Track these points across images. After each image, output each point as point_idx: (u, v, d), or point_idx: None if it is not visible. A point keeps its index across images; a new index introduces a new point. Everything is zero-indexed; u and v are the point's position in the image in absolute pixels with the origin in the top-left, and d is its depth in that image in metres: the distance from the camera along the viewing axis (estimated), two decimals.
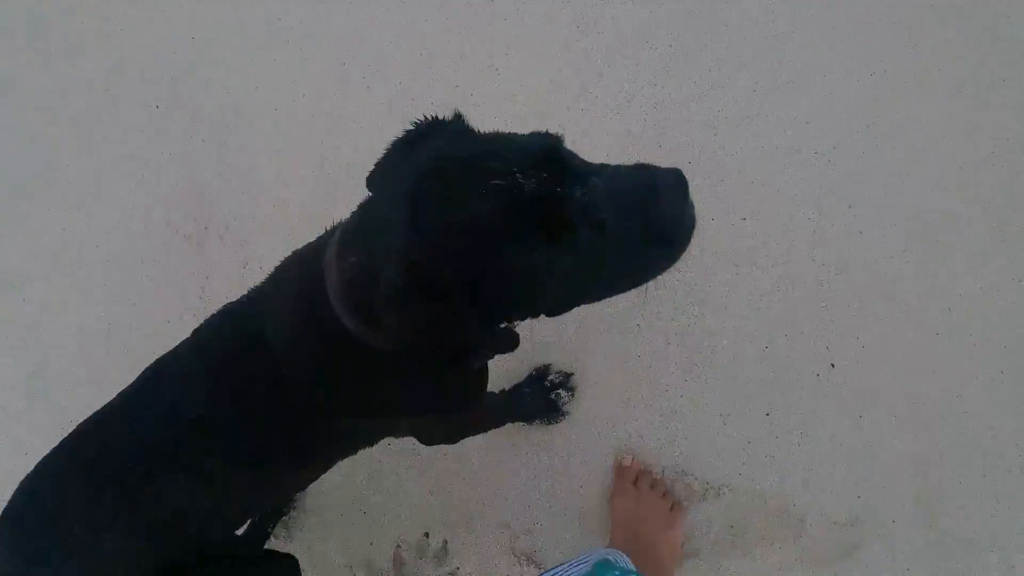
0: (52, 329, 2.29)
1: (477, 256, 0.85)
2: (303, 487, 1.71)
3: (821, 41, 1.81)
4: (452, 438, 1.52)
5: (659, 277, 1.00)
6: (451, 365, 1.03)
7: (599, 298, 1.04)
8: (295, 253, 1.19)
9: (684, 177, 0.90)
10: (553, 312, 1.01)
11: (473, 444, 1.86)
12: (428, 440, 1.47)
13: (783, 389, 1.75)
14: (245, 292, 1.22)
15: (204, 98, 2.26)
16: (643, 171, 0.90)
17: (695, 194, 0.93)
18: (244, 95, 2.22)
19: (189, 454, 1.13)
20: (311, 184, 2.11)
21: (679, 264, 0.98)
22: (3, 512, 1.18)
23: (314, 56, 2.18)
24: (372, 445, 1.41)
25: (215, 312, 1.23)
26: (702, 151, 1.85)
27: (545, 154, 0.87)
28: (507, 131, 0.95)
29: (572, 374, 1.84)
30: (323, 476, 1.42)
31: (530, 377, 1.82)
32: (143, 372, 1.24)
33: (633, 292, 1.03)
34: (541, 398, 1.79)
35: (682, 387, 1.80)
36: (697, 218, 0.95)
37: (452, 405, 1.32)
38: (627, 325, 1.84)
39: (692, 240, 0.96)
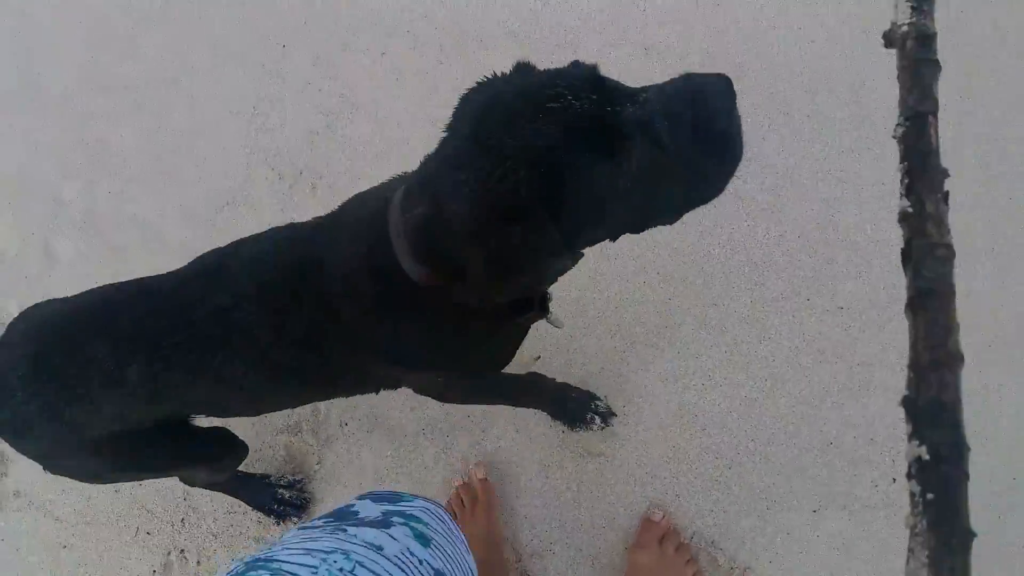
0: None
1: (547, 175, 0.86)
2: (292, 407, 1.73)
3: None
4: (468, 398, 1.54)
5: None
6: (521, 311, 1.12)
7: (666, 217, 1.02)
8: (358, 195, 1.21)
9: (731, 82, 0.89)
10: (626, 229, 1.01)
11: (503, 456, 1.82)
12: (440, 395, 1.46)
13: (838, 492, 1.68)
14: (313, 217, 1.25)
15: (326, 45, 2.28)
16: (690, 80, 0.91)
17: None
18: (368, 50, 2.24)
19: (221, 344, 1.16)
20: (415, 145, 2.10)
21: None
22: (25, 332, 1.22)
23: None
24: (378, 391, 1.41)
25: (282, 225, 1.25)
26: None
27: (591, 78, 0.90)
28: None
29: (615, 415, 1.80)
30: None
31: (578, 390, 1.80)
32: (200, 257, 1.26)
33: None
34: (581, 408, 1.77)
35: (735, 460, 1.74)
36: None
37: (489, 363, 1.32)
38: (694, 381, 1.80)
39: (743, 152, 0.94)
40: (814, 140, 1.92)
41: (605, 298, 1.89)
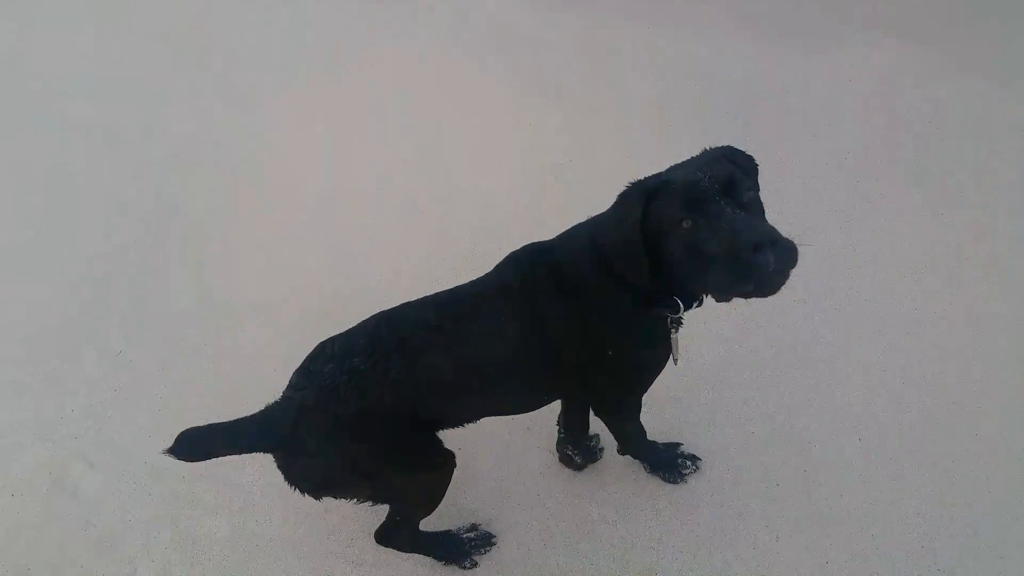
0: None
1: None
2: (495, 413, 1.96)
3: None
4: (630, 417, 1.93)
5: None
6: (657, 304, 1.58)
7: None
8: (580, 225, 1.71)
9: (793, 254, 1.30)
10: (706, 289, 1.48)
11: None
12: (618, 404, 1.88)
13: None
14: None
15: None
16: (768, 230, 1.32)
17: None
18: None
19: (466, 347, 1.64)
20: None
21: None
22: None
23: None
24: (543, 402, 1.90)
25: (521, 248, 1.75)
26: None
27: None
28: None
29: (699, 458, 2.14)
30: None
31: (664, 443, 2.17)
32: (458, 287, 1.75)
33: None
34: (670, 458, 2.14)
35: None
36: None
37: (649, 365, 1.75)
38: None
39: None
40: None
41: None
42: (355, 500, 1.79)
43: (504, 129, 3.53)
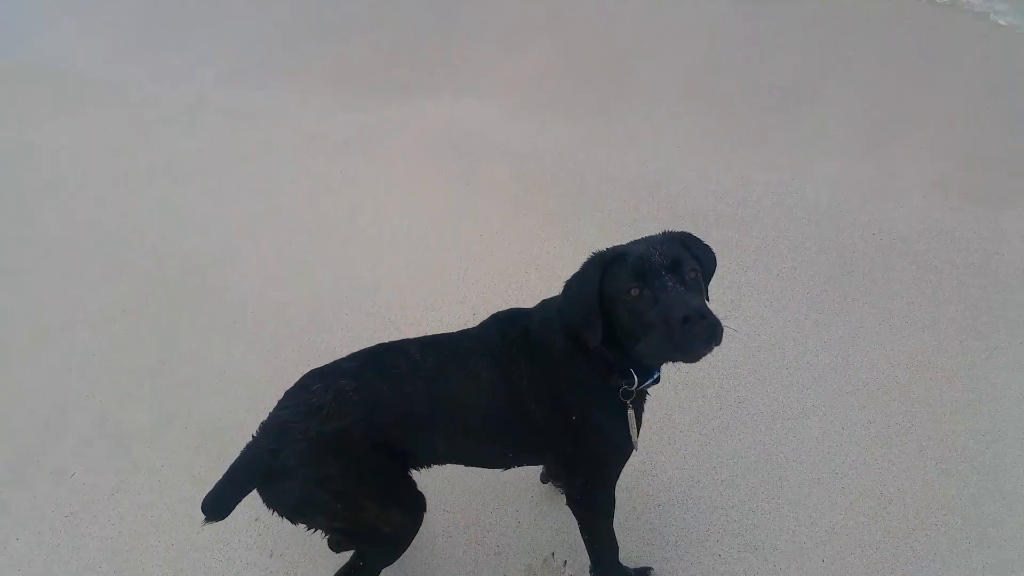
0: None
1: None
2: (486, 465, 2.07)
3: None
4: (600, 512, 1.96)
5: None
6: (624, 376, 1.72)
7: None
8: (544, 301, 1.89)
9: (718, 329, 1.48)
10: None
11: None
12: (570, 480, 1.92)
13: None
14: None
15: None
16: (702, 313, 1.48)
17: None
18: None
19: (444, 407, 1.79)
20: None
21: None
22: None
23: None
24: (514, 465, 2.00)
25: (504, 311, 1.92)
26: None
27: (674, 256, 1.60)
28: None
29: None
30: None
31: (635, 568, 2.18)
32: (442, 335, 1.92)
33: None
34: None
35: None
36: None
37: (609, 438, 1.81)
38: None
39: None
40: None
41: None
42: (326, 531, 1.89)
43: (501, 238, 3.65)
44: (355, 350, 1.89)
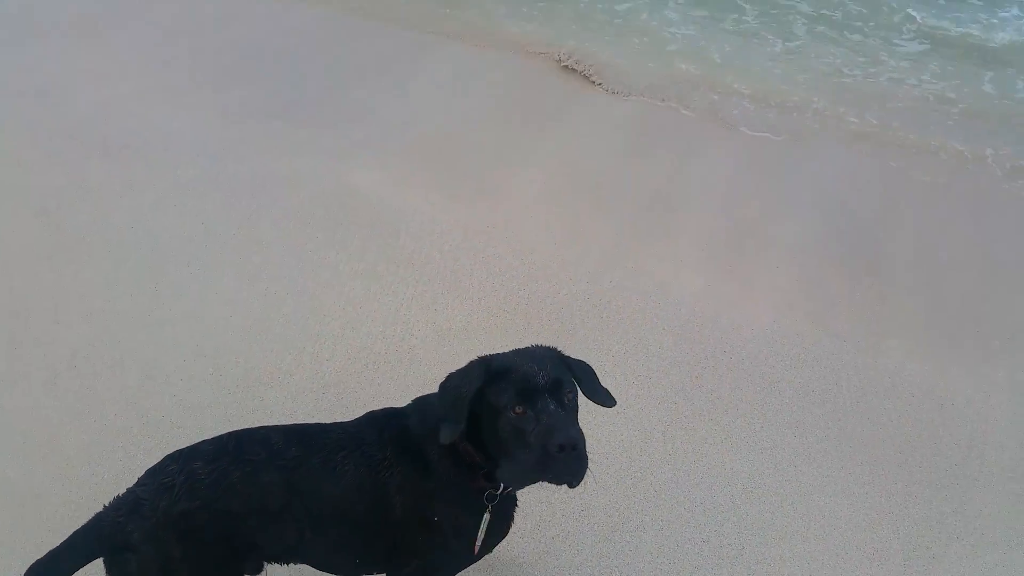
0: None
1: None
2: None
3: None
4: None
5: None
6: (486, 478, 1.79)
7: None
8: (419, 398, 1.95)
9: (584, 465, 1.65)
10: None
11: None
12: (400, 567, 1.90)
13: None
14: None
15: None
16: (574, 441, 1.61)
17: None
18: None
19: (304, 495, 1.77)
20: None
21: None
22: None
23: None
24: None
25: (379, 409, 1.96)
26: None
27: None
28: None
29: None
30: None
31: None
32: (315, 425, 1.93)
33: None
34: None
35: None
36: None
37: (457, 549, 1.85)
38: None
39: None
40: None
41: None
42: None
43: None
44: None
